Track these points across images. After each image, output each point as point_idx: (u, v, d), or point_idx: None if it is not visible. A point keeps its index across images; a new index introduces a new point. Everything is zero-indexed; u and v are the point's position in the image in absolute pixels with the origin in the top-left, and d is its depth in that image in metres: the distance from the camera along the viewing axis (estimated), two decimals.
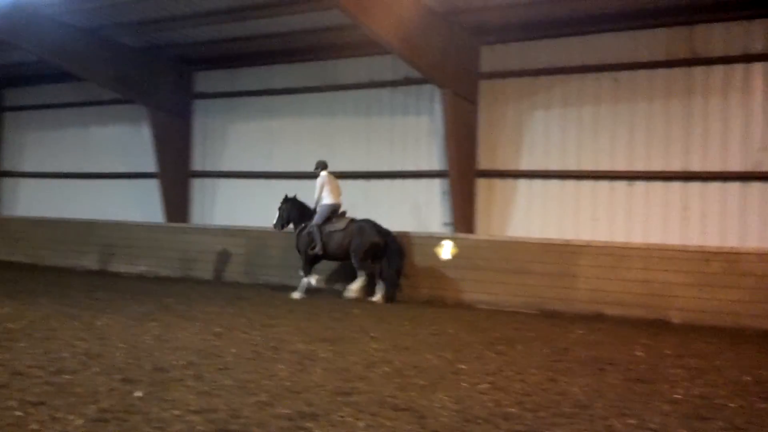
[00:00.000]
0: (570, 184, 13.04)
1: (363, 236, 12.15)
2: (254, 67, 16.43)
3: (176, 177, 16.98)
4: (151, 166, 17.06)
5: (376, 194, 14.89)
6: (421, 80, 13.63)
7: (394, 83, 14.55)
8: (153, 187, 17.31)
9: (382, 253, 12.21)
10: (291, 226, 12.91)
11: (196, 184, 17.38)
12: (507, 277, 11.94)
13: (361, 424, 4.88)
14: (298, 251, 12.74)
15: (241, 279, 14.58)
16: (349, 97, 15.21)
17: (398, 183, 14.65)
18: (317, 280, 12.47)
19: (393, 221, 14.30)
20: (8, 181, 20.88)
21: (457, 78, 13.03)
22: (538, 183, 13.33)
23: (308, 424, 4.81)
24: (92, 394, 5.42)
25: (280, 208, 12.92)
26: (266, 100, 16.39)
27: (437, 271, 12.58)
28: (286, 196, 13.07)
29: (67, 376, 5.96)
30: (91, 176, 18.95)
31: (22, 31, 14.22)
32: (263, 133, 16.43)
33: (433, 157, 14.10)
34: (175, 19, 14.16)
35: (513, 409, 5.37)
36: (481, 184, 13.71)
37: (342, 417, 5.03)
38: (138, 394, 5.49)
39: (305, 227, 12.57)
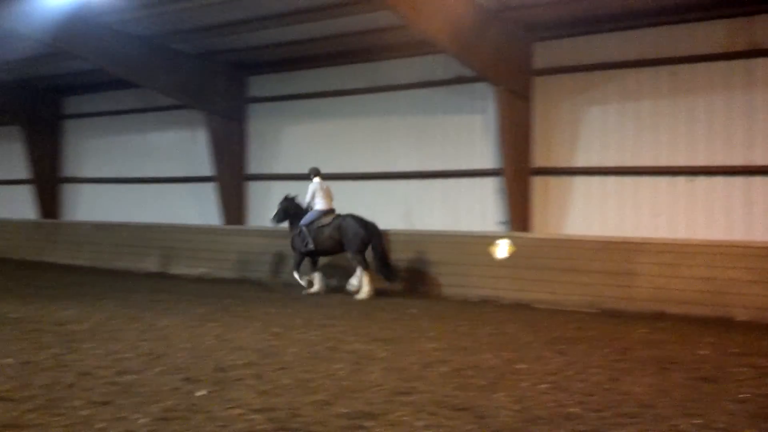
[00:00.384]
0: (628, 180, 12.76)
1: (351, 231, 12.64)
2: (307, 69, 16.53)
3: (232, 180, 17.22)
4: (207, 169, 17.35)
5: (430, 194, 14.83)
6: (474, 78, 13.52)
7: (446, 82, 14.44)
8: (210, 190, 17.59)
9: (368, 243, 12.64)
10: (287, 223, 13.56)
11: (252, 186, 17.60)
12: (565, 276, 11.73)
13: (419, 423, 4.86)
14: (293, 249, 13.39)
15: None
16: (402, 97, 15.18)
17: (452, 182, 14.55)
18: (305, 280, 13.19)
19: (447, 220, 14.31)
20: (70, 187, 21.45)
21: (511, 75, 12.89)
22: (595, 180, 13.07)
23: (367, 424, 4.82)
24: (156, 393, 5.53)
25: (280, 204, 13.57)
26: (319, 103, 16.49)
27: (493, 270, 12.46)
28: (287, 196, 13.66)
29: (131, 376, 6.10)
30: (150, 181, 19.35)
31: (82, 41, 14.60)
32: (317, 135, 16.54)
33: (487, 156, 13.97)
34: (230, 24, 14.34)
35: (575, 409, 5.28)
36: (537, 182, 13.53)
37: (401, 416, 5.02)
38: (200, 393, 5.57)
39: (299, 228, 13.19)
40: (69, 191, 21.48)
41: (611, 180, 12.93)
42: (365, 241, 12.58)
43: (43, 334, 8.07)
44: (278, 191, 16.98)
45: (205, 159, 17.33)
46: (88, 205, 20.90)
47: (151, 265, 16.87)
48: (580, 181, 13.21)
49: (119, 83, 18.94)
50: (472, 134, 14.26)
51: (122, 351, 7.20)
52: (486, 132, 14.01)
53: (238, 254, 15.74)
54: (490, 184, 13.98)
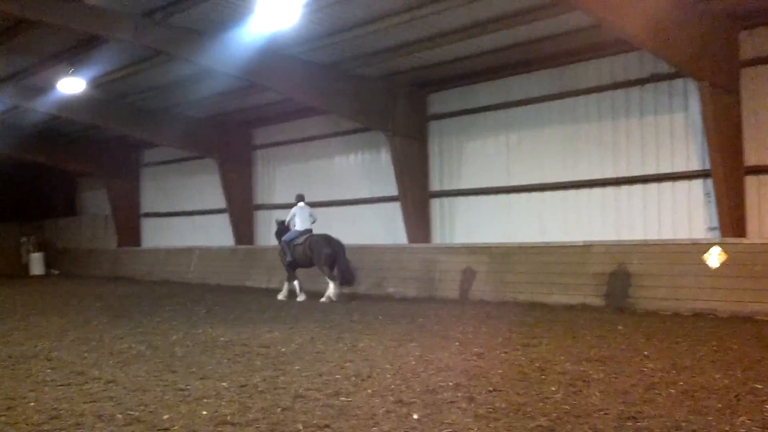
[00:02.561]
0: None
1: (317, 249, 15.11)
2: (488, 81, 16.23)
3: (416, 198, 17.21)
4: (392, 189, 17.46)
5: (629, 201, 13.97)
6: (671, 75, 12.64)
7: (641, 81, 13.59)
8: (395, 209, 17.68)
9: (335, 260, 15.05)
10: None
11: (436, 204, 17.49)
12: None
13: None
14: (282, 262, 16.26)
15: (487, 297, 14.30)
16: (592, 101, 14.45)
17: (653, 187, 13.60)
18: (298, 287, 15.71)
19: (649, 228, 13.39)
20: (262, 214, 22.46)
21: (715, 68, 11.81)
22: None
23: None
24: (371, 416, 5.42)
25: (277, 226, 16.78)
26: (502, 114, 16.12)
27: (706, 281, 11.41)
28: (277, 220, 17.00)
29: (344, 399, 6.02)
30: (337, 204, 19.81)
31: (271, 73, 15.22)
32: (500, 147, 16.16)
33: (691, 157, 12.93)
34: (411, 44, 14.37)
35: None
36: (751, 182, 12.30)
37: None
38: (415, 416, 5.39)
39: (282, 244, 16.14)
40: (262, 218, 22.49)
41: None
42: (331, 256, 14.97)
43: (253, 356, 8.26)
44: (463, 207, 16.85)
45: (389, 179, 17.47)
46: None
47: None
48: None
49: (305, 111, 19.72)
50: (672, 135, 13.27)
51: (330, 372, 7.18)
52: (688, 131, 12.99)
53: (425, 272, 15.63)
54: (696, 187, 12.93)
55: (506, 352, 8.25)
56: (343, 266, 15.05)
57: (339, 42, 14.33)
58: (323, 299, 14.88)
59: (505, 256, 14.46)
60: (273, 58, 14.94)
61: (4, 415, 5.67)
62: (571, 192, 14.92)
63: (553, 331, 9.91)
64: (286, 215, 20.99)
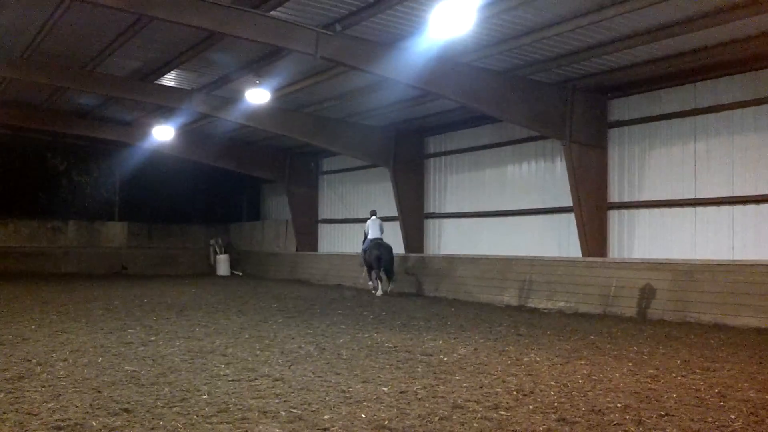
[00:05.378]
0: None
1: (373, 252, 19.20)
2: (675, 87, 15.25)
3: (592, 210, 16.47)
4: (566, 200, 16.88)
5: None
6: None
7: None
8: (569, 221, 17.08)
9: (381, 259, 19.13)
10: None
11: (614, 216, 16.67)
12: None
13: None
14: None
15: (667, 316, 13.41)
16: None
17: None
18: (375, 287, 19.47)
19: None
20: (433, 222, 22.55)
21: None
22: None
23: None
24: None
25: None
26: (689, 121, 15.07)
27: None
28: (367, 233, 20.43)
29: (503, 413, 5.83)
30: (508, 214, 19.48)
31: (445, 81, 15.19)
32: (687, 157, 15.13)
33: None
34: (591, 48, 13.84)
35: None
36: None
37: None
38: None
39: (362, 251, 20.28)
40: (432, 226, 22.59)
41: None
42: (379, 258, 19.07)
43: (416, 363, 8.23)
44: (643, 220, 15.96)
45: (563, 189, 16.90)
46: (450, 239, 21.76)
47: (510, 297, 16.84)
48: None
49: (477, 119, 19.61)
50: None
51: (491, 385, 7.00)
52: None
53: (600, 287, 14.95)
54: None
55: (683, 376, 7.71)
56: (386, 266, 19.22)
57: (514, 48, 14.05)
58: (378, 292, 19.09)
59: (688, 274, 13.50)
60: (447, 66, 14.92)
61: (178, 406, 6.00)
62: (765, 206, 13.68)
63: (737, 356, 9.11)
64: (456, 224, 21.11)
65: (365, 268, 20.21)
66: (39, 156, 29.90)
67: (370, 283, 19.96)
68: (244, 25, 12.89)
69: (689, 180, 15.08)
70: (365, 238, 20.13)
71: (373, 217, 20.24)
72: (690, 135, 15.10)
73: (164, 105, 20.48)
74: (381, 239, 19.67)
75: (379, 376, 7.38)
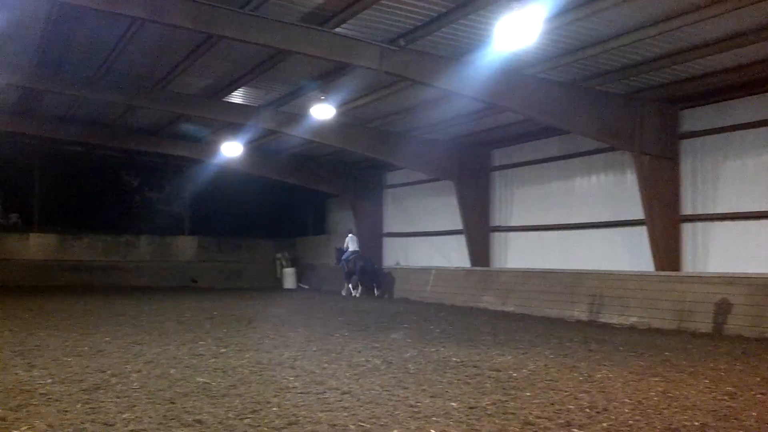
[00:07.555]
0: None
1: (355, 263, 24.38)
2: (749, 96, 14.77)
3: (665, 222, 16.01)
4: (636, 212, 16.47)
5: None
6: None
7: None
8: (640, 234, 16.65)
9: (364, 270, 24.47)
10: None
11: (687, 228, 16.17)
12: None
13: None
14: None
15: (745, 332, 12.93)
16: None
17: None
18: (355, 286, 24.67)
19: None
20: (499, 236, 22.31)
21: None
22: None
23: None
24: None
25: (335, 251, 26.58)
26: (764, 132, 14.57)
27: None
28: (336, 246, 26.85)
29: (576, 430, 5.69)
30: (577, 227, 19.13)
31: (510, 94, 15.05)
32: (763, 168, 14.60)
33: None
34: (658, 59, 13.54)
35: None
36: None
37: None
38: None
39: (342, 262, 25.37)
40: (498, 240, 22.35)
41: None
42: (363, 267, 24.23)
43: (484, 379, 8.13)
44: (719, 233, 15.43)
45: (633, 201, 16.49)
46: (516, 253, 21.47)
47: (579, 312, 16.50)
48: None
49: (543, 131, 19.36)
50: None
51: (562, 402, 6.85)
52: None
53: (673, 302, 14.52)
54: None
55: (763, 393, 7.45)
56: (370, 275, 24.51)
57: (580, 59, 13.86)
58: (357, 294, 24.36)
59: (767, 288, 13.00)
60: (512, 78, 14.79)
61: (249, 417, 6.05)
62: None
63: None
64: (523, 237, 20.75)
65: (345, 275, 25.10)
66: (113, 172, 30.94)
67: (350, 286, 24.87)
68: (310, 42, 13.07)
69: (765, 192, 14.54)
70: (344, 251, 25.22)
71: (351, 234, 25.89)
72: (765, 146, 14.59)
73: (232, 122, 20.91)
74: (359, 252, 24.87)
75: (447, 391, 7.30)
